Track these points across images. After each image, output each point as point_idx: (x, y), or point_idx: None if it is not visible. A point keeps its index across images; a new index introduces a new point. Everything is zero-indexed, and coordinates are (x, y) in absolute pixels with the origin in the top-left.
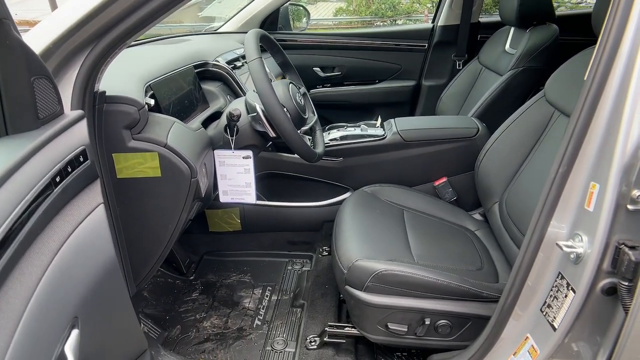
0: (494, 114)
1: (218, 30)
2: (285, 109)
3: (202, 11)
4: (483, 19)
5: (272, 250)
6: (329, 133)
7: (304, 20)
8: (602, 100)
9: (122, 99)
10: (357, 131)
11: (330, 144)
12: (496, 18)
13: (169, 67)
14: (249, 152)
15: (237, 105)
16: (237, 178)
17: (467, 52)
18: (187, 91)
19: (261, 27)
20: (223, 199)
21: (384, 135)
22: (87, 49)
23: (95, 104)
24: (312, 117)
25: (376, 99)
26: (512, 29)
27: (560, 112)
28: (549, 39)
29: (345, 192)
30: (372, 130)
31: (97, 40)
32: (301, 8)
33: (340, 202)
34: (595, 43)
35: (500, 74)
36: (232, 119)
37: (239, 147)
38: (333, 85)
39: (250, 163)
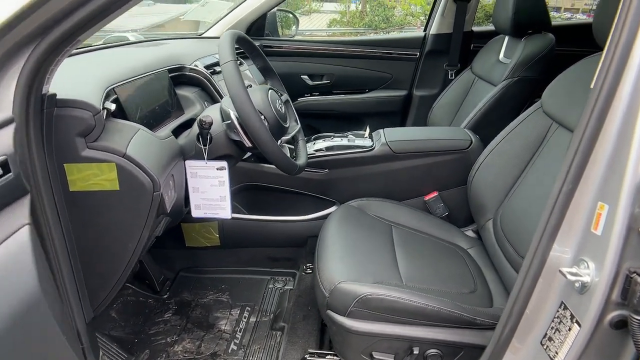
0: (488, 125)
1: (202, 35)
2: (262, 117)
3: (185, 15)
4: (476, 27)
5: (253, 267)
6: (314, 143)
7: (293, 27)
8: (611, 111)
9: (75, 102)
10: (344, 142)
11: (316, 154)
12: (490, 27)
13: (138, 71)
14: (224, 163)
15: (211, 112)
16: (210, 191)
17: (460, 62)
18: (159, 96)
19: (247, 32)
20: (195, 213)
21: (372, 146)
22: (30, 44)
23: (44, 108)
24: (294, 126)
25: (366, 109)
26: (507, 38)
27: (558, 124)
28: (544, 48)
29: (331, 206)
30: (360, 140)
31: (42, 35)
32: (290, 15)
33: (325, 217)
34: (593, 54)
35: (494, 84)
36: (203, 127)
37: (212, 158)
38: (322, 93)
39: (224, 175)
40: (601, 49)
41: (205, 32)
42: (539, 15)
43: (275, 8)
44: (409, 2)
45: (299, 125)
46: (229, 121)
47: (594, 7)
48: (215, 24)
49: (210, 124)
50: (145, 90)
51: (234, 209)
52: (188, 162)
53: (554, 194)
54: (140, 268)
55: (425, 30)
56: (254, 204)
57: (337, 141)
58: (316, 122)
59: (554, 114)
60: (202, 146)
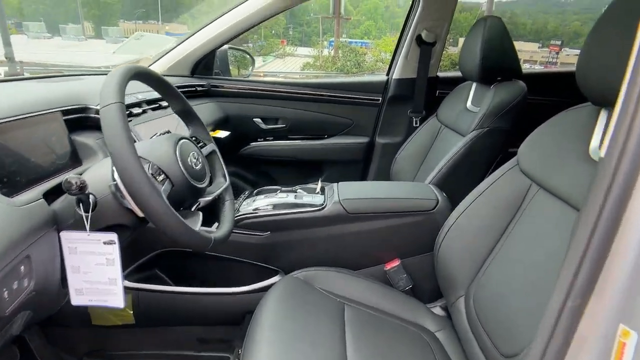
0: (456, 180)
1: None
2: (162, 176)
3: (116, 50)
4: (442, 73)
5: (177, 351)
6: (254, 199)
7: (250, 68)
8: (636, 193)
9: None
10: (290, 198)
11: (255, 213)
12: (456, 72)
13: (11, 112)
14: (113, 236)
15: (98, 169)
16: (96, 271)
17: (425, 109)
18: (39, 145)
19: (193, 70)
20: (76, 300)
21: (323, 204)
22: None
23: None
24: (220, 183)
25: (324, 156)
26: (474, 84)
27: (539, 186)
28: (516, 97)
29: (274, 275)
30: (309, 197)
31: None
32: (246, 55)
33: (266, 288)
34: (569, 104)
35: (462, 134)
36: (71, 190)
37: (98, 228)
38: (276, 138)
39: (114, 251)
40: (582, 100)
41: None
42: (509, 62)
43: (227, 46)
44: (379, 49)
45: (227, 182)
46: (114, 182)
47: (550, 59)
48: (157, 60)
49: (82, 187)
50: (17, 137)
51: (156, 279)
52: (64, 234)
53: (552, 312)
54: (25, 356)
55: (387, 74)
56: (179, 272)
57: (282, 197)
58: (269, 169)
59: (532, 174)
60: (83, 213)
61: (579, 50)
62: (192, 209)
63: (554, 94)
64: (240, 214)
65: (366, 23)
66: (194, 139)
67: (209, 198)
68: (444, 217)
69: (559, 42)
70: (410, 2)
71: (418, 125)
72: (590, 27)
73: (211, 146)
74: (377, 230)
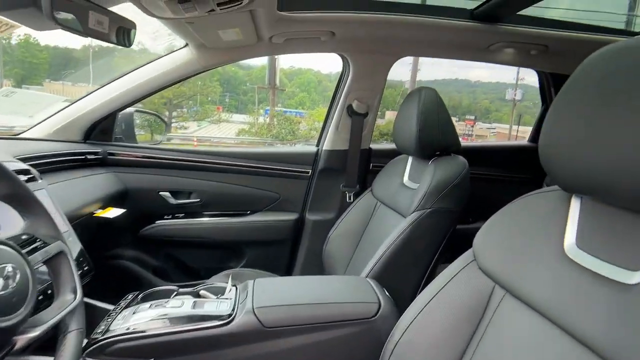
0: (399, 272)
1: (20, 136)
2: None
3: None
4: (375, 145)
5: None
6: (134, 312)
7: (163, 134)
8: None
9: None
10: (187, 307)
11: (132, 334)
12: (390, 145)
13: None
14: None
15: None
16: None
17: (359, 183)
18: None
19: (87, 135)
20: None
21: (231, 315)
22: None
23: None
24: (63, 303)
25: (246, 236)
26: (410, 158)
27: (505, 290)
28: (458, 174)
29: None
30: (213, 305)
31: None
32: (158, 119)
33: None
34: (518, 180)
35: (400, 213)
36: None
37: None
38: (188, 215)
39: None
40: (528, 176)
41: (25, 131)
42: (447, 135)
43: (133, 108)
44: (313, 119)
45: (78, 300)
46: None
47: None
48: (39, 123)
49: None
50: None
51: None
52: None
53: None
54: None
55: (318, 145)
56: None
57: (175, 307)
58: (177, 253)
59: (495, 274)
60: None
61: (489, 125)
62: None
63: (495, 168)
64: (110, 335)
65: (300, 95)
66: (26, 237)
67: (33, 334)
68: (388, 326)
69: (473, 117)
70: (341, 71)
71: (352, 200)
72: (497, 105)
73: (57, 246)
74: (303, 349)
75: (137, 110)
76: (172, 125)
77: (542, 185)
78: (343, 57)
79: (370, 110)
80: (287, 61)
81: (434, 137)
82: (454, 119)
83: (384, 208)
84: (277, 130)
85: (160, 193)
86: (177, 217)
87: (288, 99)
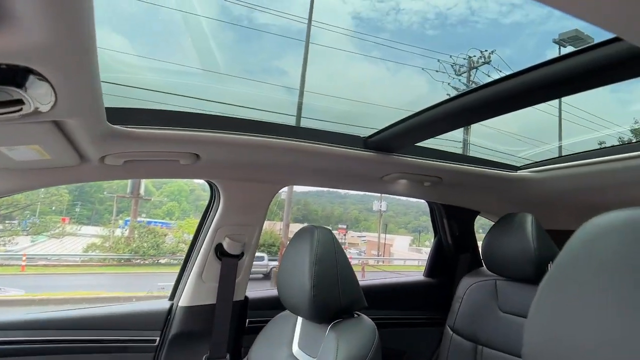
0: None
1: None
2: None
3: None
4: (253, 292)
5: None
6: None
7: None
8: None
9: None
10: None
11: None
12: (272, 291)
13: None
14: None
15: None
16: None
17: (230, 350)
18: None
19: None
20: None
21: None
22: None
23: None
24: None
25: None
26: (299, 319)
27: None
28: (368, 349)
29: None
30: None
31: None
32: None
33: None
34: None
35: None
36: None
37: None
38: None
39: None
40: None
41: None
42: (352, 293)
43: None
44: (182, 230)
45: None
46: None
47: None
48: None
49: None
50: None
51: None
52: None
53: None
54: None
55: (171, 298)
56: None
57: None
58: None
59: None
60: None
61: (359, 233)
62: None
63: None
64: None
65: (169, 204)
66: None
67: None
68: None
69: (345, 226)
70: (208, 200)
71: None
72: (365, 215)
73: None
74: None
75: None
76: None
77: (444, 325)
78: (211, 185)
79: (246, 250)
80: None
81: (334, 297)
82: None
83: None
84: (138, 244)
85: None
86: None
87: (155, 208)
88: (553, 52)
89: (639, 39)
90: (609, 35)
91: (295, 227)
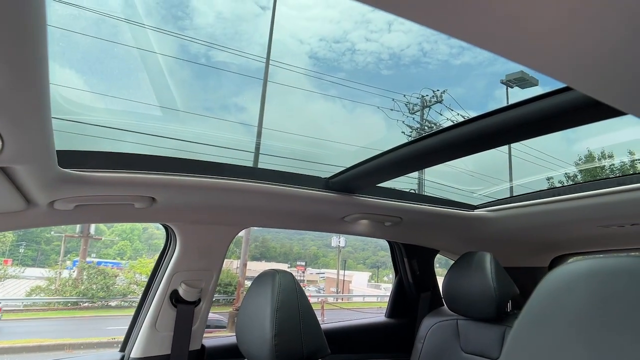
0: None
1: None
2: None
3: None
4: (210, 340)
5: None
6: None
7: None
8: None
9: None
10: None
11: None
12: (230, 339)
13: None
14: None
15: None
16: None
17: None
18: None
19: None
20: None
21: None
22: None
23: None
24: None
25: None
26: None
27: None
28: None
29: None
30: None
31: None
32: None
33: None
34: None
35: None
36: None
37: None
38: None
39: None
40: None
41: None
42: (316, 341)
43: None
44: (134, 270)
45: None
46: None
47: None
48: None
49: None
50: None
51: None
52: None
53: None
54: None
55: (122, 349)
56: None
57: None
58: None
59: None
60: None
61: (318, 270)
62: None
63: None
64: None
65: (120, 243)
66: None
67: None
68: None
69: (303, 263)
70: (163, 245)
71: None
72: (323, 252)
73: None
74: None
75: None
76: None
77: None
78: (167, 228)
79: (203, 296)
80: None
81: (296, 346)
82: (285, 266)
83: None
84: (87, 286)
85: None
86: None
87: (105, 247)
88: (501, 92)
89: (588, 88)
90: (555, 82)
91: (253, 265)
